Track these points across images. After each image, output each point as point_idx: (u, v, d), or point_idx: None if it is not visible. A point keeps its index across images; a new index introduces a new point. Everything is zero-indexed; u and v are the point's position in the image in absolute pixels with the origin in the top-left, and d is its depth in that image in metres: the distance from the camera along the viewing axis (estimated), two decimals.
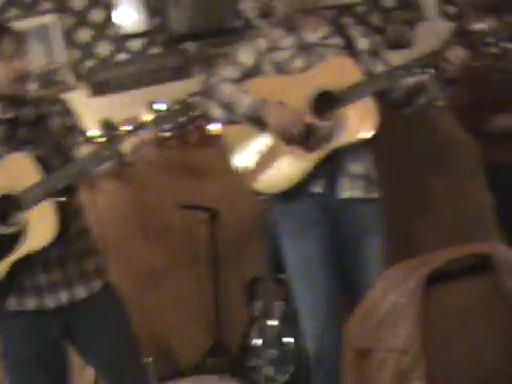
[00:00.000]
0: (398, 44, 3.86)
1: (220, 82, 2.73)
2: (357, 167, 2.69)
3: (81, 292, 2.37)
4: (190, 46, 3.73)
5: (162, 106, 2.18)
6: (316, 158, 2.61)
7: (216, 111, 2.74)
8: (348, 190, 2.67)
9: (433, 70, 2.54)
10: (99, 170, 2.30)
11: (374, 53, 2.80)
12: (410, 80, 2.65)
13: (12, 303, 2.33)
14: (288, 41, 2.75)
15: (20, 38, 2.38)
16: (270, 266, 3.37)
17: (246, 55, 2.76)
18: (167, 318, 3.73)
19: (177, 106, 2.16)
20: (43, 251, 2.24)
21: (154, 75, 3.68)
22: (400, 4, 3.92)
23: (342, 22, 2.93)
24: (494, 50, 2.43)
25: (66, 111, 2.46)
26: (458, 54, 2.45)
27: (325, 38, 2.75)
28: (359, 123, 2.59)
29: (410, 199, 3.81)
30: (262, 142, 2.71)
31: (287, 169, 2.66)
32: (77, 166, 2.23)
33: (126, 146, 2.18)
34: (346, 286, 2.73)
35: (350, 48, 2.74)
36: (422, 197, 3.86)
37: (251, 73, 2.76)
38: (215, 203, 3.58)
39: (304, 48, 2.72)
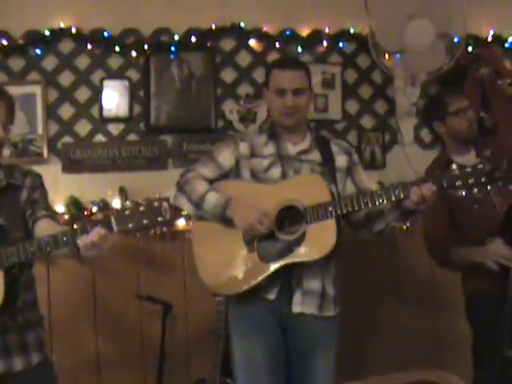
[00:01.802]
0: (371, 165, 4.04)
1: (195, 178, 2.84)
2: (312, 283, 2.78)
3: (18, 363, 2.40)
4: (168, 139, 3.86)
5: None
6: (270, 270, 2.71)
7: (186, 206, 2.85)
8: (300, 305, 2.76)
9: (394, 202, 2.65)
10: (56, 253, 2.36)
11: (349, 171, 2.93)
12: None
13: None
14: (269, 149, 2.87)
15: (9, 106, 2.48)
16: (217, 367, 3.40)
17: (226, 156, 2.88)
18: None
19: (142, 208, 2.20)
20: None
21: (128, 162, 3.79)
22: (377, 126, 4.14)
23: (325, 137, 3.08)
24: (462, 192, 2.57)
25: (37, 185, 2.54)
26: (426, 192, 2.56)
27: (303, 152, 2.89)
28: (316, 243, 2.69)
29: (367, 321, 3.92)
30: (226, 243, 2.80)
31: (243, 276, 2.75)
32: (34, 245, 2.29)
33: (85, 239, 2.21)
34: None
35: (326, 164, 2.88)
36: (379, 320, 3.96)
37: (228, 174, 2.89)
38: (170, 297, 3.63)
39: (281, 159, 2.85)
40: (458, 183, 2.55)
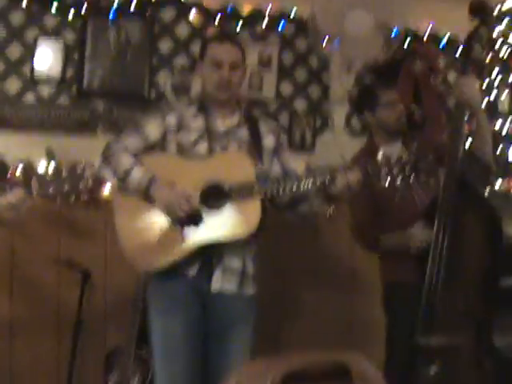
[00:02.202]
0: (301, 147, 4.10)
1: (121, 150, 2.82)
2: (233, 261, 2.82)
3: None
4: (100, 104, 3.82)
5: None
6: (192, 247, 2.74)
7: (111, 179, 2.83)
8: (219, 282, 2.81)
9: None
10: None
11: (275, 152, 2.98)
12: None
13: None
14: (197, 123, 2.89)
15: None
16: (133, 339, 3.41)
17: (153, 128, 2.88)
18: (15, 378, 3.65)
19: (65, 174, 2.23)
20: None
21: (57, 124, 3.73)
22: (310, 109, 4.19)
23: (254, 115, 3.11)
24: (385, 182, 2.65)
25: None
26: (351, 179, 2.66)
27: (232, 128, 2.92)
28: (239, 221, 2.73)
29: (285, 302, 3.98)
30: (148, 217, 2.81)
31: (164, 252, 2.77)
32: None
33: (2, 199, 2.22)
34: (204, 375, 2.82)
35: (254, 143, 2.92)
36: (297, 302, 4.04)
37: (155, 146, 2.88)
38: (89, 264, 3.61)
39: (210, 134, 2.87)
40: (383, 172, 2.63)
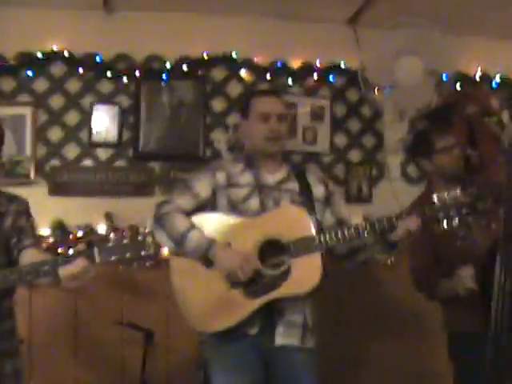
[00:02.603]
0: (358, 198, 4.08)
1: (174, 211, 2.82)
2: (294, 316, 2.79)
3: None
4: (157, 166, 3.90)
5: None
6: (255, 306, 2.71)
7: (165, 243, 2.83)
8: (283, 338, 2.77)
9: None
10: (38, 281, 2.35)
11: (326, 202, 2.97)
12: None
13: None
14: (246, 178, 2.89)
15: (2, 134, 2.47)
16: None
17: (203, 186, 2.88)
18: None
19: (126, 241, 2.22)
20: None
21: (115, 187, 3.82)
22: (365, 160, 4.19)
23: (301, 168, 3.11)
24: (444, 225, 2.62)
25: (23, 212, 2.54)
26: (410, 225, 2.63)
27: (282, 181, 2.92)
28: (303, 276, 2.70)
29: (348, 353, 3.93)
30: (206, 278, 2.78)
31: (226, 313, 2.73)
32: (16, 273, 2.29)
33: (66, 271, 2.22)
34: None
35: (305, 194, 2.91)
36: (360, 353, 3.97)
37: (206, 204, 2.88)
38: (152, 325, 3.63)
39: (260, 189, 2.86)
40: (440, 215, 2.61)
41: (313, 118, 4.09)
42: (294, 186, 2.90)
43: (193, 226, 2.78)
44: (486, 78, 4.29)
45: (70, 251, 3.54)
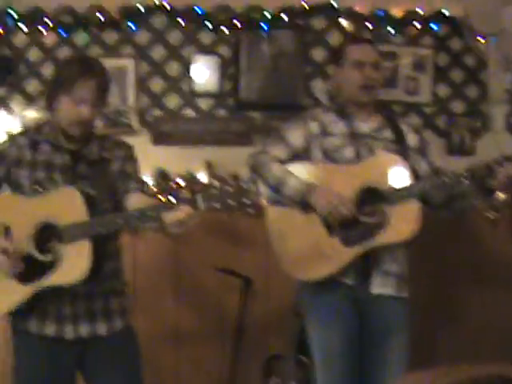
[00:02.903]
0: (460, 151, 3.99)
1: (269, 161, 2.86)
2: (391, 265, 2.80)
3: (102, 328, 2.54)
4: (257, 115, 3.92)
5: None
6: (353, 255, 2.72)
7: (263, 190, 2.86)
8: (379, 287, 2.79)
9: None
10: (143, 226, 2.43)
11: (421, 151, 2.93)
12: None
13: (33, 326, 2.50)
14: (339, 127, 2.89)
15: (99, 85, 2.50)
16: (293, 345, 3.44)
17: (296, 136, 2.91)
18: (180, 381, 3.80)
19: (229, 188, 2.26)
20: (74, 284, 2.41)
21: (216, 137, 3.87)
22: (468, 111, 4.08)
23: (393, 116, 3.06)
24: None
25: (129, 157, 2.63)
26: (509, 173, 2.55)
27: (376, 129, 2.89)
28: (401, 225, 2.70)
29: (444, 305, 3.88)
30: (304, 227, 2.81)
31: (324, 261, 2.76)
32: (122, 218, 2.39)
33: (172, 216, 2.28)
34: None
35: (399, 143, 2.88)
36: (456, 305, 3.92)
37: (300, 154, 2.90)
38: (251, 272, 3.69)
39: (354, 137, 2.86)
40: None
41: (415, 68, 4.00)
42: (387, 134, 2.89)
43: (290, 173, 2.79)
44: None
45: (172, 198, 3.62)
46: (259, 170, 2.85)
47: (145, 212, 2.33)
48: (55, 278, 2.40)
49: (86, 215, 2.39)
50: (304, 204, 2.77)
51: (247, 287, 3.67)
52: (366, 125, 2.89)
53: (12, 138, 2.64)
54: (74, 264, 2.39)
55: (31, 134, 2.59)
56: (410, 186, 2.69)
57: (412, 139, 2.93)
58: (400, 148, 2.85)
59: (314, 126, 2.89)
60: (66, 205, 2.43)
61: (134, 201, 2.51)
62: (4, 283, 2.44)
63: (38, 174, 2.51)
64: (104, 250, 2.48)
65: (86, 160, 2.54)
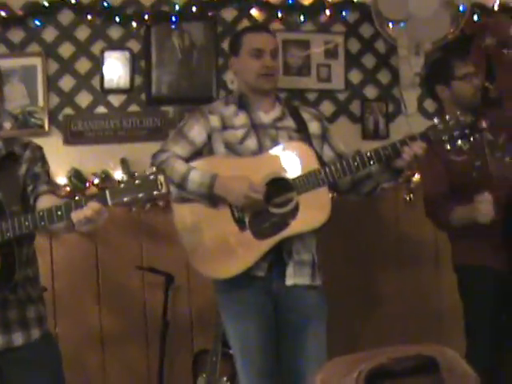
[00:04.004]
0: (374, 135, 4.03)
1: (171, 158, 2.80)
2: (303, 254, 2.80)
3: (18, 338, 2.42)
4: (170, 109, 3.87)
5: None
6: (266, 247, 2.70)
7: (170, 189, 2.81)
8: (293, 277, 2.78)
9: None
10: (52, 228, 2.35)
11: (323, 137, 2.93)
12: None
13: None
14: (240, 119, 2.86)
15: None
16: (218, 339, 3.42)
17: (198, 131, 2.86)
18: (109, 383, 3.75)
19: (138, 181, 2.19)
20: None
21: (130, 133, 3.81)
22: (381, 96, 4.13)
23: (293, 104, 3.06)
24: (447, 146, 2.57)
25: (38, 158, 2.52)
26: (415, 149, 2.57)
27: (278, 119, 2.89)
28: (312, 212, 2.70)
29: (361, 291, 3.93)
30: (214, 225, 2.77)
31: (234, 259, 2.72)
32: (29, 220, 2.28)
33: (79, 214, 2.20)
34: (284, 374, 2.82)
35: (301, 131, 2.88)
36: (375, 290, 3.96)
37: (202, 150, 2.87)
38: (173, 269, 3.65)
39: (256, 128, 2.84)
40: (444, 137, 2.56)
41: (326, 56, 4.01)
42: (289, 123, 2.88)
43: (192, 168, 2.75)
44: (505, 7, 4.15)
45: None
46: (161, 167, 2.78)
47: (51, 212, 2.26)
48: None
49: None
50: (211, 197, 2.73)
51: (169, 283, 3.63)
52: (268, 115, 2.88)
53: None
54: None
55: None
56: (316, 172, 2.67)
57: (314, 126, 2.93)
58: (303, 136, 2.85)
59: (214, 120, 2.85)
60: None
61: (45, 201, 2.43)
62: None
63: None
64: (14, 257, 2.38)
65: None
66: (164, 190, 2.17)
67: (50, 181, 2.55)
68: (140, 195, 2.19)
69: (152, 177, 2.19)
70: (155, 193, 2.19)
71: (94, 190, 2.27)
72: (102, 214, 2.20)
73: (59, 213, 2.24)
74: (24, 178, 2.45)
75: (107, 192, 2.20)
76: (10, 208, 2.35)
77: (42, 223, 2.26)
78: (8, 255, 2.32)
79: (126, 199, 2.19)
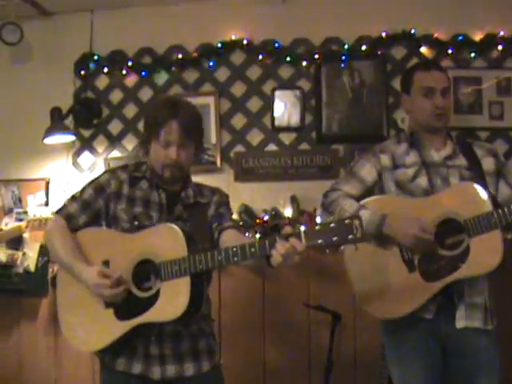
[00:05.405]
0: None
1: (341, 197, 2.80)
2: (475, 297, 2.68)
3: (189, 370, 2.49)
4: (340, 147, 3.89)
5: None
6: (435, 289, 2.62)
7: None
8: (465, 320, 2.66)
9: None
10: (242, 262, 2.37)
11: (498, 174, 2.82)
12: None
13: (121, 364, 2.50)
14: (411, 157, 2.81)
15: (183, 125, 2.49)
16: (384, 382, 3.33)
17: (368, 171, 2.84)
18: None
19: (333, 225, 2.18)
20: (163, 324, 2.40)
21: (300, 171, 3.85)
22: None
23: (467, 141, 2.96)
24: None
25: (224, 202, 2.66)
26: None
27: (449, 157, 2.80)
28: (484, 256, 2.58)
29: None
30: (383, 265, 2.72)
31: (403, 300, 2.65)
32: (222, 254, 2.33)
33: (277, 250, 2.21)
34: None
35: (474, 169, 2.77)
36: None
37: (373, 189, 2.84)
38: (340, 308, 3.62)
39: (427, 167, 2.78)
40: None
41: (499, 92, 3.88)
42: (461, 161, 2.79)
43: (362, 206, 2.73)
44: None
45: (257, 235, 3.60)
46: (331, 207, 2.80)
47: (245, 248, 2.30)
48: (151, 315, 2.38)
49: (186, 252, 2.38)
50: (379, 236, 2.69)
51: (336, 322, 3.59)
52: (439, 153, 2.81)
53: (112, 171, 2.66)
54: (171, 301, 2.35)
55: (131, 171, 2.63)
56: (489, 215, 2.57)
57: (488, 163, 2.82)
58: (475, 174, 2.76)
59: (385, 159, 2.84)
60: (167, 241, 2.42)
61: (229, 235, 2.51)
62: (101, 318, 2.44)
63: (136, 209, 2.54)
64: (203, 290, 2.44)
65: (182, 202, 2.57)
66: (359, 235, 2.14)
67: (233, 220, 2.64)
68: (334, 238, 2.18)
69: (347, 221, 2.17)
70: (350, 237, 2.16)
71: (288, 229, 2.24)
72: (299, 253, 2.21)
73: (252, 250, 2.27)
74: (211, 218, 2.58)
75: (302, 233, 2.20)
76: (203, 244, 2.42)
77: (235, 259, 2.30)
78: (197, 287, 2.38)
79: (320, 241, 2.19)
